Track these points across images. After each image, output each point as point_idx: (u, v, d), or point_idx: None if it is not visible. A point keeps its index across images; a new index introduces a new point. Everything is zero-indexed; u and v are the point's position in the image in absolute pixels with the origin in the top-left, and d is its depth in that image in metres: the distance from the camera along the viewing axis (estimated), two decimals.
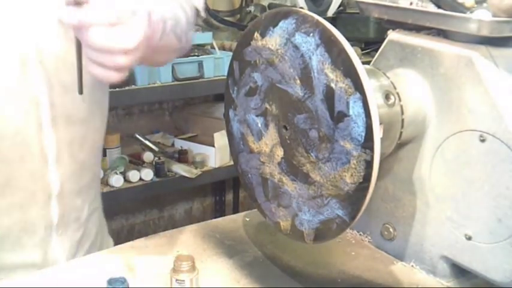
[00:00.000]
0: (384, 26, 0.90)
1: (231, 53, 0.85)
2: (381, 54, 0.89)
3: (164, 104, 2.67)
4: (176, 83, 2.18)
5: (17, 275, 0.90)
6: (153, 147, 2.36)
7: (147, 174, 2.18)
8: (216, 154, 2.38)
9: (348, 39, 0.69)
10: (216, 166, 2.40)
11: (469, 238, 0.80)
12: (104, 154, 2.09)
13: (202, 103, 2.72)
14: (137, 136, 2.34)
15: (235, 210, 2.93)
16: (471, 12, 0.77)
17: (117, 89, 1.91)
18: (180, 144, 2.47)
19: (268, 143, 0.81)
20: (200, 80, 2.24)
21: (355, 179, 0.69)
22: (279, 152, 0.79)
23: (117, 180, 2.07)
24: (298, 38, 0.72)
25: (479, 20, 0.74)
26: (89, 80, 0.92)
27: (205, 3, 1.15)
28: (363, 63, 0.69)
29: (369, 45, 2.65)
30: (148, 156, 2.28)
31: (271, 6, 2.64)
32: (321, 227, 0.76)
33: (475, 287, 0.84)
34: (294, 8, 0.74)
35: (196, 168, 2.36)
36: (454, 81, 0.80)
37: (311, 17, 0.71)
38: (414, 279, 0.87)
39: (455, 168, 0.81)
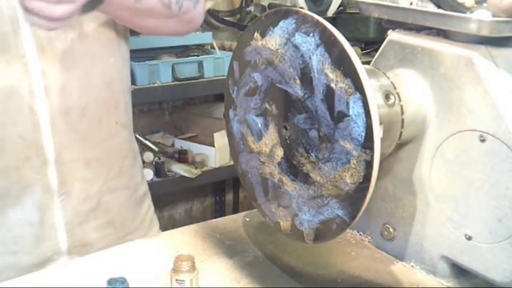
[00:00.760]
0: (384, 26, 0.90)
1: (231, 53, 0.85)
2: (380, 54, 0.89)
3: (164, 104, 2.67)
4: (176, 83, 2.18)
5: (16, 230, 0.93)
6: (153, 147, 2.36)
7: (147, 174, 2.18)
8: (216, 154, 2.38)
9: (348, 39, 0.69)
10: (216, 166, 2.40)
11: (469, 238, 0.80)
12: None
13: (202, 103, 2.72)
14: (137, 136, 2.34)
15: (235, 210, 2.93)
16: (471, 12, 0.77)
17: None
18: (180, 144, 2.48)
19: (268, 143, 0.81)
20: (200, 80, 2.24)
21: (355, 179, 0.69)
22: (279, 152, 0.79)
23: None
24: (298, 38, 0.72)
25: (479, 20, 0.74)
26: (86, 48, 0.93)
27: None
28: (363, 63, 0.69)
29: (369, 45, 2.65)
30: (148, 156, 2.28)
31: (271, 6, 2.65)
32: (321, 227, 0.76)
33: (475, 287, 0.84)
34: (294, 8, 0.74)
35: (196, 168, 2.36)
36: (454, 81, 0.80)
37: (311, 17, 0.71)
38: (414, 279, 0.87)
39: (455, 168, 0.81)
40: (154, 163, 2.26)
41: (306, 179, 0.76)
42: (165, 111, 2.68)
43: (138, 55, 2.13)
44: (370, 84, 0.67)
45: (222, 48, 2.47)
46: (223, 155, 2.40)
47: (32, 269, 0.92)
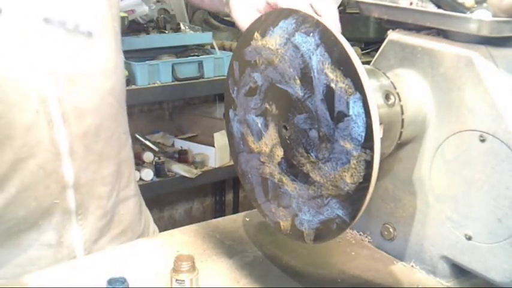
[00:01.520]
0: (384, 26, 0.90)
1: (231, 53, 0.85)
2: (381, 54, 0.89)
3: (164, 104, 2.67)
4: (176, 83, 2.18)
5: (33, 252, 0.91)
6: (153, 147, 2.36)
7: (147, 174, 2.18)
8: (216, 154, 2.38)
9: (348, 39, 0.69)
10: (216, 166, 2.40)
11: (469, 238, 0.80)
12: None
13: (202, 103, 2.72)
14: (137, 136, 2.34)
15: (235, 210, 2.93)
16: (471, 12, 0.77)
17: None
18: (180, 144, 2.48)
19: (268, 143, 0.81)
20: (200, 80, 2.24)
21: (355, 179, 0.69)
22: (279, 152, 0.79)
23: None
24: (298, 38, 0.72)
25: (479, 20, 0.74)
26: (98, 67, 0.92)
27: None
28: (363, 63, 0.69)
29: (369, 45, 2.65)
30: (148, 156, 2.28)
31: None
32: (321, 227, 0.76)
33: (475, 287, 0.84)
34: (294, 8, 0.74)
35: (196, 168, 2.36)
36: (454, 81, 0.80)
37: (311, 17, 0.71)
38: (414, 279, 0.87)
39: (455, 168, 0.81)
40: (154, 163, 2.26)
41: (306, 179, 0.76)
42: (165, 111, 2.69)
43: (138, 55, 2.13)
44: (370, 84, 0.67)
45: (222, 48, 2.47)
46: (223, 155, 2.40)
47: None
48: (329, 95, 0.70)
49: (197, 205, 2.97)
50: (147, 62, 2.11)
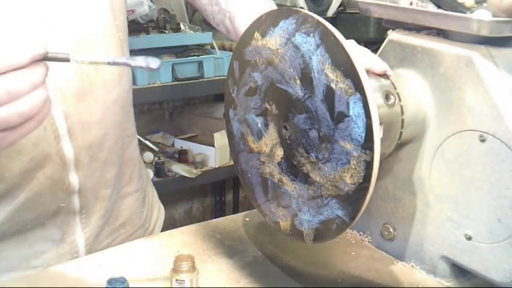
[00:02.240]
0: (384, 26, 0.90)
1: (231, 53, 0.85)
2: (381, 54, 0.89)
3: (164, 104, 2.67)
4: (176, 83, 2.18)
5: (38, 247, 0.94)
6: (153, 147, 2.36)
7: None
8: (216, 154, 2.38)
9: (348, 39, 0.69)
10: (216, 166, 2.40)
11: (469, 238, 0.80)
12: None
13: (202, 103, 2.72)
14: (137, 136, 2.34)
15: (235, 210, 2.93)
16: (471, 12, 0.77)
17: None
18: (180, 144, 2.48)
19: (268, 143, 0.81)
20: (200, 80, 2.24)
21: (355, 180, 0.69)
22: (279, 152, 0.79)
23: None
24: (299, 38, 0.72)
25: (479, 20, 0.74)
26: (102, 79, 0.92)
27: None
28: None
29: (369, 45, 2.64)
30: (148, 156, 2.28)
31: None
32: (320, 227, 0.76)
33: (475, 287, 0.84)
34: (294, 8, 0.74)
35: (196, 168, 2.36)
36: (454, 81, 0.80)
37: (311, 18, 0.71)
38: (414, 279, 0.87)
39: (455, 168, 0.81)
40: (154, 163, 2.26)
41: (305, 179, 0.76)
42: (165, 111, 2.69)
43: (138, 55, 2.13)
44: (370, 85, 0.67)
45: (222, 48, 2.47)
46: (223, 155, 2.40)
47: None
48: (329, 95, 0.70)
49: (197, 205, 2.97)
50: None
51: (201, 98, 2.70)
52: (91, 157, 0.93)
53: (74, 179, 0.92)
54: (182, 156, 2.38)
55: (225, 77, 0.87)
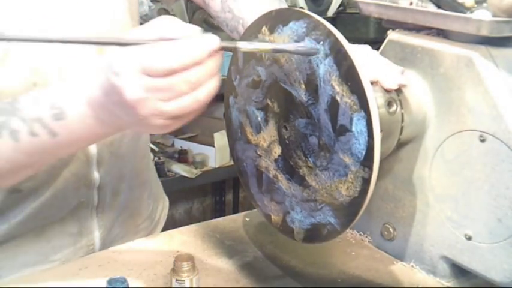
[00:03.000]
0: (384, 26, 0.90)
1: (231, 53, 0.84)
2: (380, 54, 0.89)
3: None
4: None
5: (55, 241, 0.96)
6: (153, 147, 2.37)
7: None
8: (216, 154, 2.39)
9: (348, 39, 0.68)
10: (216, 166, 2.40)
11: (469, 238, 0.80)
12: None
13: None
14: None
15: (235, 210, 2.93)
16: (471, 12, 0.77)
17: None
18: (180, 144, 2.48)
19: (266, 138, 0.80)
20: None
21: (351, 193, 0.69)
22: (277, 150, 0.79)
23: None
24: (308, 43, 0.70)
25: (479, 20, 0.74)
26: None
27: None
28: None
29: (369, 45, 2.65)
30: None
31: None
32: (311, 229, 0.76)
33: (475, 287, 0.84)
34: (307, 12, 0.72)
35: (196, 168, 2.36)
36: (454, 81, 0.80)
37: (323, 25, 0.68)
38: (414, 279, 0.87)
39: (455, 168, 0.81)
40: (154, 163, 2.26)
41: (301, 181, 0.76)
42: None
43: None
44: (376, 106, 0.66)
45: None
46: (223, 155, 2.40)
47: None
48: (333, 106, 0.69)
49: (197, 205, 2.97)
50: None
51: None
52: (111, 153, 0.96)
53: (95, 175, 0.94)
54: (182, 156, 2.38)
55: (225, 77, 0.87)
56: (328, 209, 0.72)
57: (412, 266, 0.89)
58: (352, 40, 0.74)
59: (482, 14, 0.75)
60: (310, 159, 0.74)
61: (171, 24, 0.64)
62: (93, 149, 0.93)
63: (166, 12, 2.46)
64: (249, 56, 0.80)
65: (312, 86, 0.71)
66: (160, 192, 1.22)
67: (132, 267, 0.87)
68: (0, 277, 0.90)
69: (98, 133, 0.72)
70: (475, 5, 0.78)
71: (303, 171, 0.75)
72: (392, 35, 0.88)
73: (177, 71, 0.62)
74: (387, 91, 0.80)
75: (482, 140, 0.77)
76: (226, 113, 0.88)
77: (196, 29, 0.64)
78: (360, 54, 0.72)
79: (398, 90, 0.81)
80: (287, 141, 0.77)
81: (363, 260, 0.91)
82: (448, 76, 0.80)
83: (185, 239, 0.97)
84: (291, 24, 0.73)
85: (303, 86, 0.72)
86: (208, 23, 2.67)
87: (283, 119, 0.77)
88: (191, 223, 1.04)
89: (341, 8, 2.89)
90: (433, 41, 0.83)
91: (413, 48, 0.84)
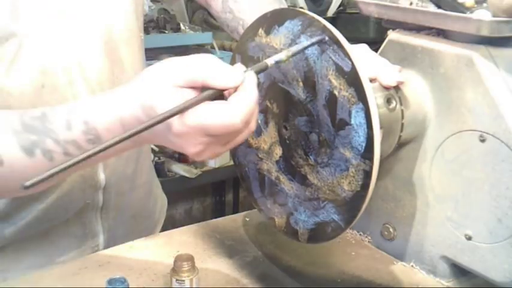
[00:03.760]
0: (384, 26, 0.90)
1: (231, 53, 0.85)
2: (381, 54, 0.89)
3: None
4: None
5: (60, 243, 0.96)
6: (153, 147, 2.36)
7: None
8: None
9: (348, 39, 0.68)
10: (216, 166, 2.40)
11: (469, 238, 0.80)
12: None
13: None
14: None
15: (235, 210, 2.93)
16: (471, 12, 0.77)
17: None
18: None
19: (267, 140, 0.81)
20: None
21: (353, 187, 0.69)
22: (278, 151, 0.79)
23: None
24: (304, 41, 0.71)
25: (479, 20, 0.74)
26: (128, 79, 0.95)
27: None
28: None
29: (369, 45, 2.64)
30: None
31: None
32: (315, 228, 0.76)
33: (475, 287, 0.84)
34: (301, 10, 0.73)
35: (196, 168, 2.36)
36: (454, 81, 0.80)
37: (318, 22, 0.69)
38: (414, 279, 0.87)
39: (455, 168, 0.81)
40: (154, 163, 2.26)
41: (303, 181, 0.76)
42: None
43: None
44: (373, 96, 0.66)
45: (222, 48, 2.47)
46: (223, 155, 2.40)
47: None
48: (331, 101, 0.69)
49: (197, 205, 2.97)
50: (147, 62, 2.11)
51: None
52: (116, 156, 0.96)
53: (101, 176, 0.95)
54: (182, 156, 2.38)
55: None
56: (331, 206, 0.72)
57: (412, 266, 0.89)
58: (352, 40, 0.74)
59: (482, 14, 0.75)
60: (311, 157, 0.74)
61: (211, 68, 0.64)
62: None
63: (166, 12, 2.46)
64: (247, 59, 0.80)
65: (310, 83, 0.71)
66: (159, 191, 1.23)
67: (132, 267, 0.87)
68: (6, 279, 0.90)
69: (129, 149, 0.73)
70: (475, 5, 0.78)
71: (304, 170, 0.75)
72: (392, 35, 0.88)
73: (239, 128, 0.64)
74: (386, 88, 0.80)
75: (482, 140, 0.76)
76: None
77: (238, 68, 0.65)
78: (357, 50, 0.73)
79: (397, 88, 0.82)
80: (287, 141, 0.77)
81: (363, 260, 0.91)
82: (448, 76, 0.80)
83: (185, 239, 0.97)
84: (286, 23, 0.73)
85: (300, 83, 0.72)
86: (208, 23, 2.67)
87: (283, 119, 0.77)
88: (191, 223, 1.04)
89: (341, 8, 2.89)
90: (433, 41, 0.83)
91: (413, 48, 0.84)
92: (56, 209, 0.93)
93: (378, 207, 0.92)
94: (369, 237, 0.96)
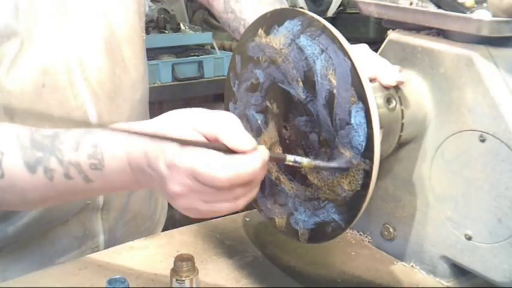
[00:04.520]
0: (384, 26, 0.90)
1: (231, 53, 0.85)
2: (381, 54, 0.89)
3: (164, 104, 2.66)
4: (176, 83, 2.18)
5: (60, 244, 0.96)
6: None
7: None
8: None
9: (348, 39, 0.68)
10: None
11: (469, 238, 0.80)
12: None
13: (202, 103, 2.71)
14: None
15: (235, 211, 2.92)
16: (471, 12, 0.77)
17: None
18: None
19: (267, 141, 0.81)
20: (200, 80, 2.24)
21: (353, 187, 0.69)
22: (278, 151, 0.79)
23: None
24: (303, 41, 0.71)
25: (479, 20, 0.74)
26: (130, 78, 0.96)
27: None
28: None
29: (369, 45, 2.64)
30: None
31: None
32: (316, 228, 0.76)
33: (475, 287, 0.84)
34: (301, 10, 0.73)
35: None
36: (454, 81, 0.80)
37: (317, 21, 0.69)
38: (414, 279, 0.87)
39: (455, 168, 0.81)
40: None
41: (303, 181, 0.76)
42: (164, 111, 2.68)
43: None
44: (373, 96, 0.66)
45: (222, 48, 2.47)
46: None
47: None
48: (331, 101, 0.69)
49: None
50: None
51: (201, 98, 2.69)
52: None
53: None
54: None
55: (225, 77, 0.87)
56: (331, 206, 0.72)
57: (412, 266, 0.89)
58: (352, 40, 0.74)
59: (482, 14, 0.75)
60: (311, 157, 0.74)
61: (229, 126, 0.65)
62: None
63: (166, 12, 2.46)
64: (247, 59, 0.80)
65: (310, 83, 0.71)
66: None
67: (132, 267, 0.87)
68: (6, 279, 0.90)
69: (131, 187, 0.72)
70: (475, 5, 0.78)
71: (304, 170, 0.75)
72: (392, 35, 0.88)
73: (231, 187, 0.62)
74: (386, 88, 0.80)
75: (482, 140, 0.76)
76: None
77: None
78: (357, 50, 0.73)
79: (397, 88, 0.82)
80: (287, 141, 0.77)
81: (363, 260, 0.91)
82: (448, 76, 0.80)
83: (185, 239, 0.97)
84: (286, 23, 0.73)
85: (300, 83, 0.72)
86: (208, 23, 2.67)
87: (283, 119, 0.77)
88: (191, 223, 1.04)
89: (341, 8, 2.89)
90: (433, 41, 0.83)
91: (413, 48, 0.84)
92: (56, 210, 0.93)
93: (378, 207, 0.92)
94: (369, 237, 0.96)
